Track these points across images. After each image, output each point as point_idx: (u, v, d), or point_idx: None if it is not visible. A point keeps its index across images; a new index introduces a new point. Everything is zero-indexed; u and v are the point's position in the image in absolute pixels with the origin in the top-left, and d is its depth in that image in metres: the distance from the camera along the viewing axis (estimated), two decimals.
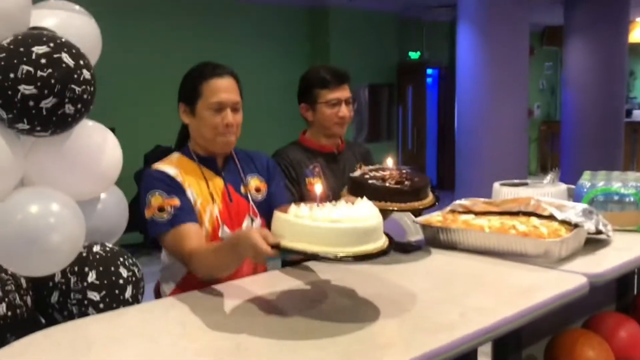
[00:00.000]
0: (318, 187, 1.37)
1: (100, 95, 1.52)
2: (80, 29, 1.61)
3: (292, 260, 1.77)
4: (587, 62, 8.10)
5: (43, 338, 1.32)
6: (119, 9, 5.71)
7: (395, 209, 1.76)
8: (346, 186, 1.87)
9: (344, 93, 2.11)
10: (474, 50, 7.06)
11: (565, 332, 1.98)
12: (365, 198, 1.41)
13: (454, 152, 7.34)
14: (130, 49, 5.81)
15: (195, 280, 1.62)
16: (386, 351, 1.19)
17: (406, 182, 1.76)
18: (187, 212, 1.64)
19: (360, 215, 1.31)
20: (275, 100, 7.05)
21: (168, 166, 1.71)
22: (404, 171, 1.84)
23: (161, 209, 1.60)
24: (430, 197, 1.82)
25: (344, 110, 2.10)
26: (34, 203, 1.39)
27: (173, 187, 1.66)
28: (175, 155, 1.77)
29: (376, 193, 1.71)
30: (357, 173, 1.85)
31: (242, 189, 1.80)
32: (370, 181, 1.76)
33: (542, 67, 11.46)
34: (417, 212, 2.02)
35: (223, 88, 1.71)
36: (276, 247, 1.27)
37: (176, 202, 1.62)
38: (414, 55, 8.93)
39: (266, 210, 1.81)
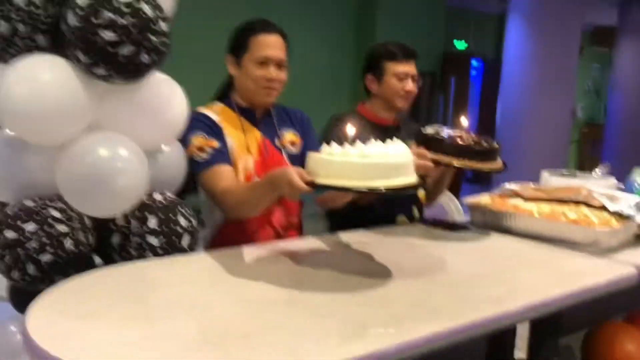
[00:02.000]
0: (350, 127, 1.40)
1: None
2: None
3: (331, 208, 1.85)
4: (639, 66, 7.91)
5: (105, 275, 1.38)
6: None
7: (459, 165, 1.81)
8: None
9: (412, 68, 2.14)
10: (522, 45, 6.96)
11: (605, 324, 1.98)
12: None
13: None
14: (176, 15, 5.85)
15: (229, 227, 1.74)
16: (435, 316, 1.21)
17: (483, 143, 1.80)
18: (224, 155, 1.73)
19: (391, 151, 1.34)
20: (319, 73, 7.08)
21: (211, 112, 1.81)
22: (475, 135, 1.87)
23: (200, 149, 1.70)
24: (499, 162, 1.85)
25: (411, 85, 2.13)
26: (103, 146, 1.44)
27: (214, 130, 1.76)
28: (218, 104, 1.86)
29: (448, 149, 1.78)
30: (430, 130, 1.87)
31: (277, 142, 1.88)
32: (442, 137, 1.81)
33: (589, 68, 11.22)
34: (485, 175, 2.05)
35: (270, 44, 1.77)
36: (311, 184, 1.32)
37: (215, 144, 1.72)
38: (459, 45, 8.83)
39: (300, 164, 1.85)
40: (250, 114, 1.85)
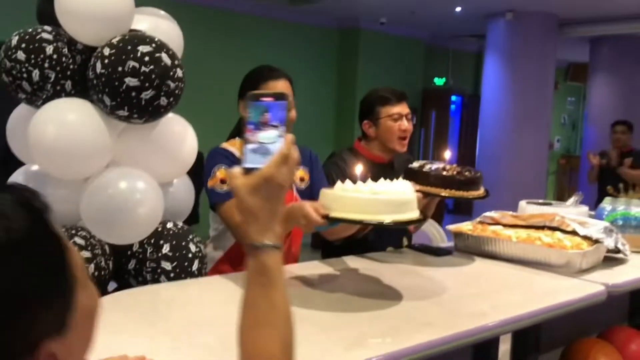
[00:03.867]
0: (359, 167, 1.57)
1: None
2: (166, 33, 1.82)
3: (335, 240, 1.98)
4: (611, 99, 8.24)
5: (126, 296, 1.51)
6: None
7: (447, 195, 1.97)
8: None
9: (404, 108, 2.32)
10: (499, 81, 7.26)
11: (582, 341, 2.14)
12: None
13: None
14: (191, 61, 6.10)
15: (241, 250, 1.83)
16: (427, 328, 1.37)
17: (465, 173, 1.97)
18: None
19: (398, 188, 1.51)
20: (301, 113, 7.27)
21: (234, 148, 1.93)
22: (457, 166, 2.04)
23: (223, 181, 1.83)
24: (482, 190, 2.02)
25: (406, 124, 2.30)
26: (123, 180, 1.60)
27: (236, 165, 1.87)
28: (238, 140, 1.98)
29: (435, 181, 1.94)
30: (416, 164, 2.05)
31: None
32: (428, 170, 1.98)
33: (564, 102, 11.62)
34: (467, 203, 2.21)
35: (279, 88, 1.93)
36: (325, 217, 1.47)
37: None
38: (439, 81, 9.15)
39: (307, 198, 2.01)
40: None
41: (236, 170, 0.93)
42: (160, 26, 1.82)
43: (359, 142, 2.40)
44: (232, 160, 1.89)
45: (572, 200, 2.57)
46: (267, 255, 0.86)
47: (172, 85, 1.56)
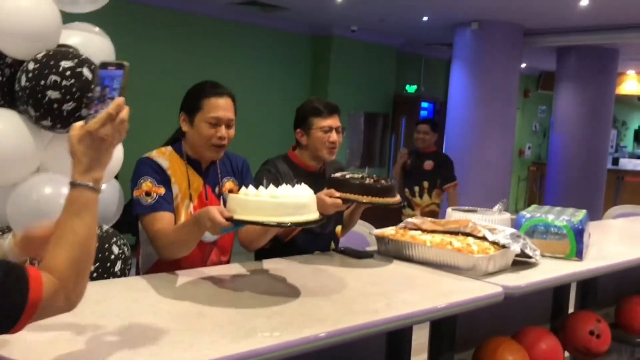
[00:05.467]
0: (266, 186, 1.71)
1: None
2: (98, 48, 1.94)
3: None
4: (576, 108, 8.44)
5: None
6: (130, 31, 6.07)
7: (365, 201, 2.12)
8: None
9: (335, 121, 2.45)
10: (466, 88, 7.42)
11: (493, 340, 2.28)
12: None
13: None
14: (139, 68, 6.21)
15: (163, 265, 1.94)
16: (319, 323, 1.50)
17: (382, 181, 2.13)
18: (167, 202, 1.96)
19: (296, 192, 1.65)
20: (274, 119, 7.43)
21: (162, 158, 2.02)
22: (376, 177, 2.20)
23: (148, 194, 1.92)
24: (397, 197, 2.18)
25: (334, 136, 2.43)
26: (48, 186, 1.71)
27: (163, 178, 1.98)
28: (169, 150, 2.08)
29: (354, 188, 2.08)
30: (338, 174, 2.18)
31: (217, 190, 2.13)
32: (349, 178, 2.14)
33: (536, 110, 11.86)
34: (387, 209, 2.33)
35: (221, 106, 2.00)
36: (230, 219, 1.60)
37: (162, 191, 1.95)
38: (410, 88, 9.32)
39: None
40: (196, 165, 2.08)
41: (78, 123, 1.13)
42: (92, 40, 1.94)
43: (293, 151, 2.53)
44: (158, 172, 1.97)
45: (497, 207, 2.72)
46: (80, 192, 1.10)
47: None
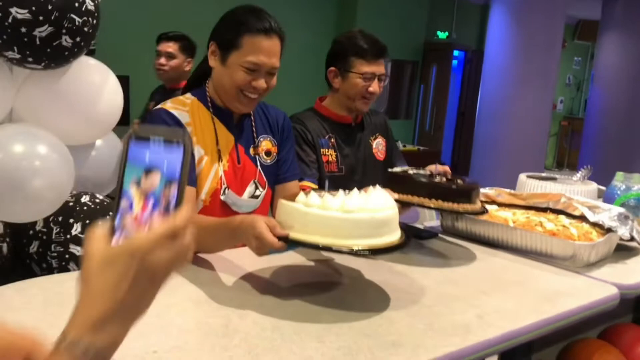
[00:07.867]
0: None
1: (116, 43, 1.37)
2: None
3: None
4: (620, 59, 7.84)
5: (14, 292, 1.19)
6: None
7: (433, 206, 1.55)
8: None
9: (380, 67, 1.95)
10: (505, 37, 6.84)
11: (582, 341, 1.84)
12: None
13: (472, 138, 7.17)
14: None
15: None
16: (394, 350, 1.05)
17: (458, 181, 1.59)
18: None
19: (376, 205, 1.17)
20: (296, 62, 6.89)
21: (181, 110, 1.53)
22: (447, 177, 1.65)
23: None
24: (478, 204, 1.62)
25: (375, 86, 1.95)
26: (18, 142, 1.25)
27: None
28: (190, 98, 1.59)
29: (419, 188, 1.54)
30: (398, 169, 1.69)
31: (252, 151, 1.64)
32: (413, 175, 1.60)
33: (571, 62, 11.16)
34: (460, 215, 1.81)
35: (265, 49, 1.50)
36: (284, 239, 1.15)
37: None
38: (442, 35, 8.68)
39: (273, 176, 1.68)
40: (226, 116, 1.60)
41: (102, 227, 0.58)
42: None
43: (320, 103, 2.05)
44: (173, 125, 1.52)
45: (578, 175, 2.24)
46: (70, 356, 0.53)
47: (78, 20, 1.20)
